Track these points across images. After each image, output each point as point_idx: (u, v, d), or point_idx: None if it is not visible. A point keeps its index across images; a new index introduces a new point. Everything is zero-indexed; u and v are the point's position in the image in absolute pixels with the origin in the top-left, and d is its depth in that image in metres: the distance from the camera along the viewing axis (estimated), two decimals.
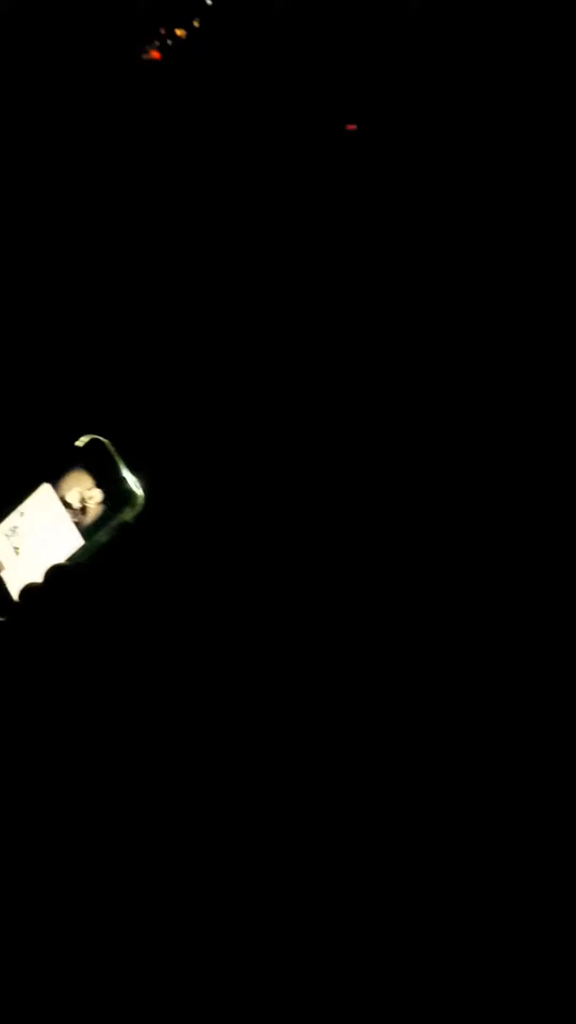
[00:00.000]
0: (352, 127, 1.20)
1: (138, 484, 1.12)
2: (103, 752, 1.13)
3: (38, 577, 1.12)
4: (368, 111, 1.23)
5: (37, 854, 1.12)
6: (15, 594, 1.14)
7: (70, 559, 1.12)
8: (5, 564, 1.16)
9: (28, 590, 1.11)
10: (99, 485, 1.13)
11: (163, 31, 1.26)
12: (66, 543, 1.13)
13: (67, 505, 1.14)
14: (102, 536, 1.12)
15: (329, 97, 1.24)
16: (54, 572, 1.11)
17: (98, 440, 1.14)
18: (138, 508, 1.12)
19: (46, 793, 1.13)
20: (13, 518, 1.17)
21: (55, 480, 1.15)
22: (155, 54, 1.27)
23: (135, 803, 1.13)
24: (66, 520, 1.13)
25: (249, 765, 1.13)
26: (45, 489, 1.15)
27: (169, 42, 1.26)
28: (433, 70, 1.22)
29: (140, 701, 1.18)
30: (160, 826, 1.12)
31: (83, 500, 1.13)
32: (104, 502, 1.12)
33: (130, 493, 1.11)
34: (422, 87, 1.22)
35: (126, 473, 1.12)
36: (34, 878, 1.11)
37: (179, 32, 1.25)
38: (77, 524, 1.13)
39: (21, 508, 1.16)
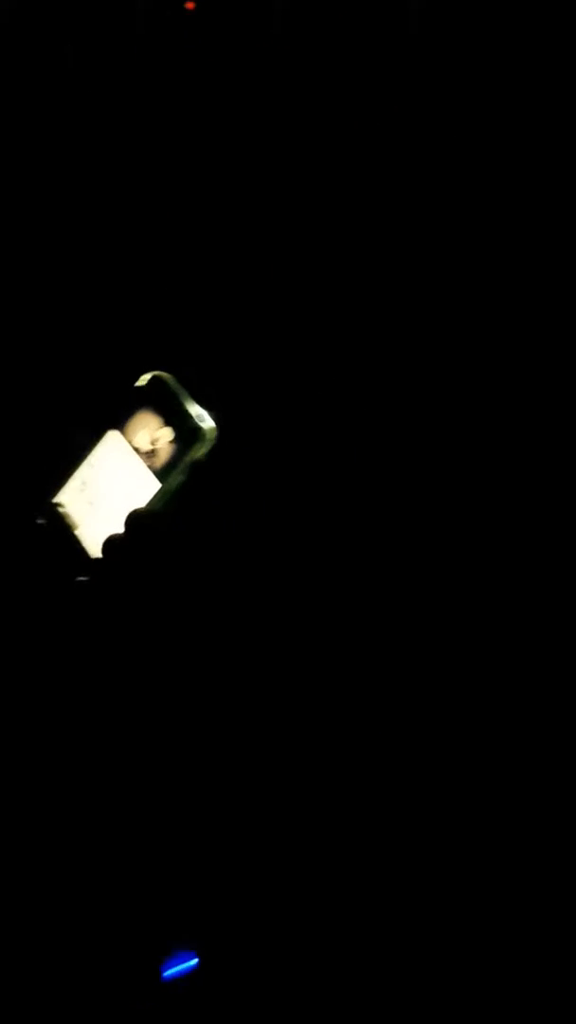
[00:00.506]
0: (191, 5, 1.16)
1: (207, 417, 1.06)
2: (195, 711, 1.09)
3: (118, 528, 1.08)
4: (368, 110, 1.21)
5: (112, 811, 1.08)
6: (94, 550, 1.09)
7: (149, 504, 1.07)
8: (80, 522, 1.11)
9: (111, 541, 1.07)
10: (167, 424, 1.08)
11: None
12: (142, 489, 1.08)
13: (136, 450, 1.09)
14: (177, 476, 1.07)
15: (329, 97, 1.23)
16: (134, 519, 1.06)
17: (160, 377, 1.09)
18: (210, 442, 1.07)
19: (137, 759, 1.09)
20: (83, 471, 1.12)
21: (121, 425, 1.10)
22: (190, 4, 1.23)
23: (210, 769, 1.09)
24: (138, 465, 1.08)
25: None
26: (112, 436, 1.10)
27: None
28: (433, 69, 1.20)
29: (232, 651, 1.13)
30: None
31: (153, 442, 1.08)
32: (175, 441, 1.07)
33: (201, 428, 1.06)
34: (422, 85, 1.20)
35: (194, 408, 1.07)
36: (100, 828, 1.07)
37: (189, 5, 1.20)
38: (150, 467, 1.08)
39: (90, 460, 1.12)
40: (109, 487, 1.10)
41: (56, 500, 1.13)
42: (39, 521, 1.14)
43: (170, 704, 1.13)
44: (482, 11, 1.19)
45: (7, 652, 1.12)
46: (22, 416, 1.17)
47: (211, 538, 1.08)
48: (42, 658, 1.10)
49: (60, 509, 1.13)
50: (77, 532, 1.11)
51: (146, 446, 1.08)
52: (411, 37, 1.19)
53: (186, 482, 1.07)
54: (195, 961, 1.07)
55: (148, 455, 1.08)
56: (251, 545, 1.10)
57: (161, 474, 1.07)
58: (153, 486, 1.07)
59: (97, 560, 1.09)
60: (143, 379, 1.09)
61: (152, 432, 1.08)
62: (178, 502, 1.07)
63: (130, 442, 1.09)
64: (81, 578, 1.10)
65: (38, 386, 1.17)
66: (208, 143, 1.25)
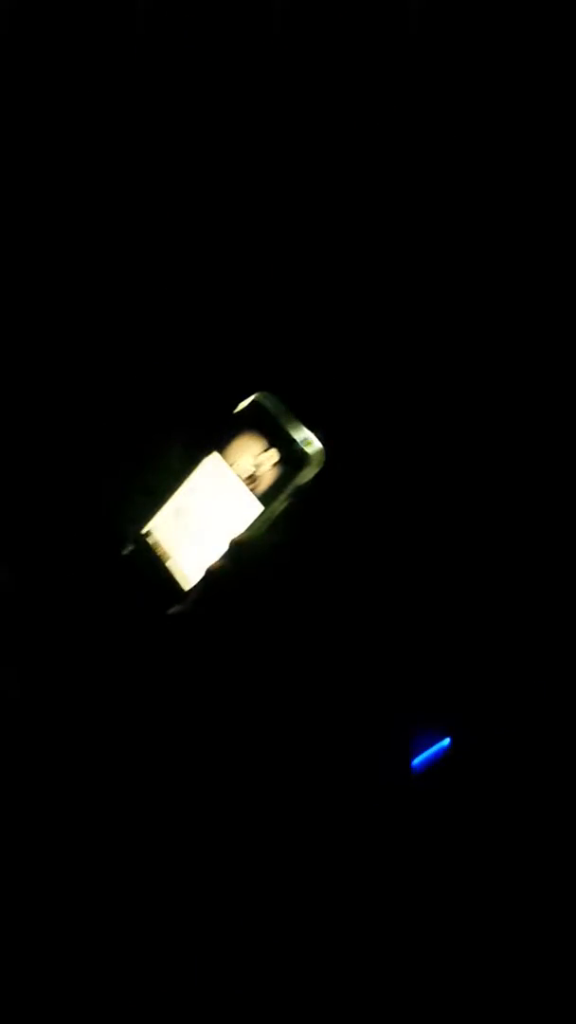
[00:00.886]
0: None
1: (315, 439, 1.01)
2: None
3: (217, 556, 1.02)
4: (368, 111, 1.20)
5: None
6: (191, 578, 1.03)
7: (249, 531, 1.02)
8: (173, 550, 1.06)
9: (212, 572, 1.01)
10: (272, 446, 1.02)
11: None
12: (243, 515, 1.02)
13: (239, 473, 1.04)
14: (281, 501, 1.02)
15: (329, 97, 1.21)
16: (237, 547, 1.00)
17: (264, 397, 1.04)
18: (318, 465, 1.01)
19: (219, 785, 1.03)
20: (179, 497, 1.07)
21: (221, 448, 1.05)
22: None
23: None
24: (240, 489, 1.03)
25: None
26: (213, 459, 1.05)
27: None
28: (433, 69, 1.19)
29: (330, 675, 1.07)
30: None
31: (256, 465, 1.03)
32: (279, 464, 1.02)
33: (309, 450, 1.01)
34: (422, 86, 1.19)
35: (302, 429, 1.02)
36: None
37: None
38: (252, 491, 1.02)
39: (188, 484, 1.06)
40: (207, 513, 1.05)
41: (148, 528, 1.07)
42: (127, 550, 1.08)
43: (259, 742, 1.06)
44: (482, 11, 1.16)
45: (99, 688, 1.05)
46: (112, 439, 1.12)
47: (317, 568, 1.02)
48: (136, 694, 1.04)
49: (151, 537, 1.07)
50: (170, 561, 1.06)
51: (248, 470, 1.03)
52: (411, 37, 1.18)
53: (291, 508, 1.02)
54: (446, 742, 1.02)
55: (250, 479, 1.03)
56: (358, 574, 1.04)
57: (264, 499, 1.02)
58: (255, 511, 1.02)
59: (193, 591, 1.03)
60: (248, 400, 1.04)
61: (255, 455, 1.03)
62: (282, 529, 1.02)
63: (230, 466, 1.04)
64: (174, 610, 1.04)
65: (131, 407, 1.13)
66: (208, 143, 1.22)
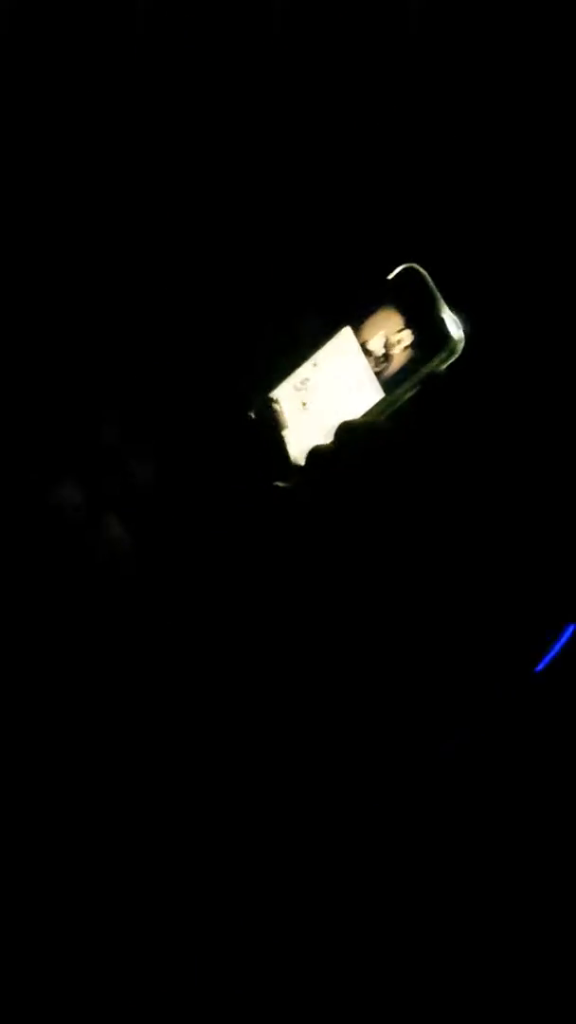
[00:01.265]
0: None
1: (457, 325, 0.90)
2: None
3: (327, 437, 0.94)
4: (368, 111, 1.17)
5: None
6: (298, 456, 0.96)
7: (365, 416, 0.93)
8: (289, 422, 0.99)
9: (316, 452, 0.93)
10: (409, 327, 0.92)
11: None
12: (363, 398, 0.93)
13: (368, 353, 0.94)
14: (406, 388, 0.91)
15: (329, 98, 1.19)
16: (345, 430, 0.92)
17: (415, 270, 0.93)
18: (453, 355, 0.90)
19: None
20: (305, 369, 0.99)
21: (358, 323, 0.95)
22: None
23: None
24: (365, 370, 0.94)
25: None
26: (345, 334, 0.96)
27: None
28: (434, 70, 1.17)
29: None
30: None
31: (388, 346, 0.93)
32: (412, 347, 0.91)
33: (446, 336, 0.89)
34: (422, 86, 1.16)
35: (445, 311, 0.90)
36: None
37: None
38: (378, 374, 0.93)
39: (315, 358, 0.98)
40: (328, 390, 0.97)
41: (275, 393, 1.01)
42: (250, 415, 1.02)
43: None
44: (482, 11, 1.13)
45: (201, 544, 1.02)
46: (254, 303, 1.07)
47: (438, 464, 0.92)
48: (229, 557, 0.99)
49: (277, 404, 1.00)
50: (287, 431, 0.99)
51: (380, 350, 0.93)
52: (411, 37, 1.16)
53: (417, 397, 0.92)
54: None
55: (380, 360, 0.93)
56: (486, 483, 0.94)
57: (388, 384, 0.92)
58: (375, 396, 0.92)
59: (299, 468, 0.96)
60: (395, 271, 0.94)
61: (390, 335, 0.93)
62: (404, 419, 0.92)
63: (363, 343, 0.95)
64: (280, 484, 0.97)
65: (274, 277, 1.08)
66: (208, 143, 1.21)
